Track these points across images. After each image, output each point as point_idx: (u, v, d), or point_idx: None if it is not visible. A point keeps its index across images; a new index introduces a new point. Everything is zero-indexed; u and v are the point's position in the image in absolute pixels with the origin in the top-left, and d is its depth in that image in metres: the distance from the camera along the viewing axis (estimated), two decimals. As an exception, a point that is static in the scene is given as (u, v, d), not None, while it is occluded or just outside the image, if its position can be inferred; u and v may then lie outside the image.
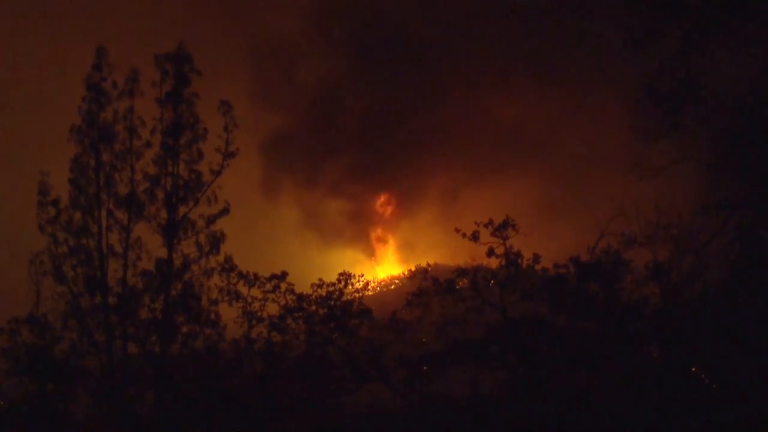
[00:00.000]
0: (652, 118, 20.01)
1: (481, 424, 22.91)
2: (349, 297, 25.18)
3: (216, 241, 23.58)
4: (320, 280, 25.22)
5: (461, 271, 24.57)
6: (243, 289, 24.36)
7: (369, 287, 28.09)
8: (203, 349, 23.49)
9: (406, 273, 27.36)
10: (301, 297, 24.87)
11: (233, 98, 23.81)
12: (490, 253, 24.29)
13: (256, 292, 24.54)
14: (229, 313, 24.09)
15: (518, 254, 24.20)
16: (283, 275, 24.86)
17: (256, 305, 24.52)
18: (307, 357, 24.48)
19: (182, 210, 23.50)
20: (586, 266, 23.62)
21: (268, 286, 24.64)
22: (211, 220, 23.56)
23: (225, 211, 23.59)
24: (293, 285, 24.89)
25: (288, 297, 24.81)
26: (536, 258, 24.26)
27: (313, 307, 24.89)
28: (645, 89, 20.01)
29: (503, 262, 24.31)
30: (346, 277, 25.39)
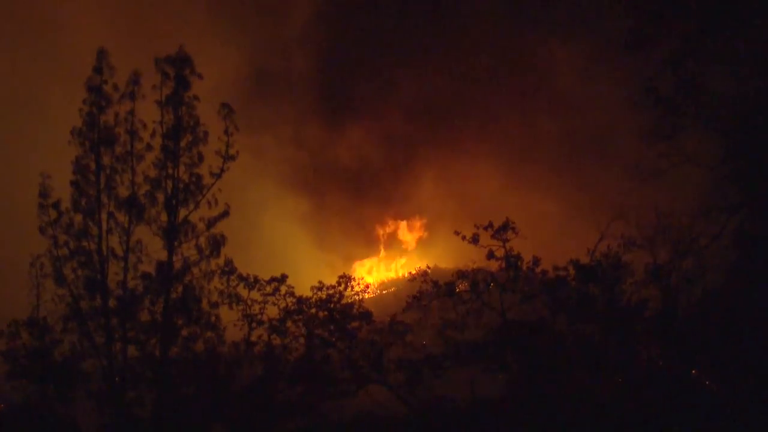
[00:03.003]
0: (652, 120, 20.07)
1: (480, 427, 22.91)
2: (349, 300, 25.22)
3: (216, 243, 23.57)
4: (320, 282, 25.32)
5: (461, 274, 24.62)
6: (243, 291, 24.42)
7: (369, 290, 28.07)
8: (203, 352, 23.47)
9: (406, 275, 27.37)
10: (300, 300, 24.91)
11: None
12: (490, 255, 24.36)
13: (256, 294, 24.64)
14: (229, 315, 24.14)
15: (518, 257, 24.27)
16: (283, 278, 24.93)
17: (256, 308, 24.58)
18: (307, 360, 24.49)
19: (183, 213, 23.50)
20: (586, 269, 23.67)
21: (268, 289, 24.72)
22: (211, 222, 23.56)
23: (225, 214, 23.59)
24: (293, 288, 24.99)
25: (288, 300, 24.86)
26: (536, 261, 24.34)
27: (313, 310, 24.92)
28: (645, 91, 20.06)
29: (503, 265, 24.36)
30: (346, 279, 25.45)
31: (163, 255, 23.24)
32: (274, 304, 24.79)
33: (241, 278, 24.37)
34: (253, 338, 24.42)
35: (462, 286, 24.62)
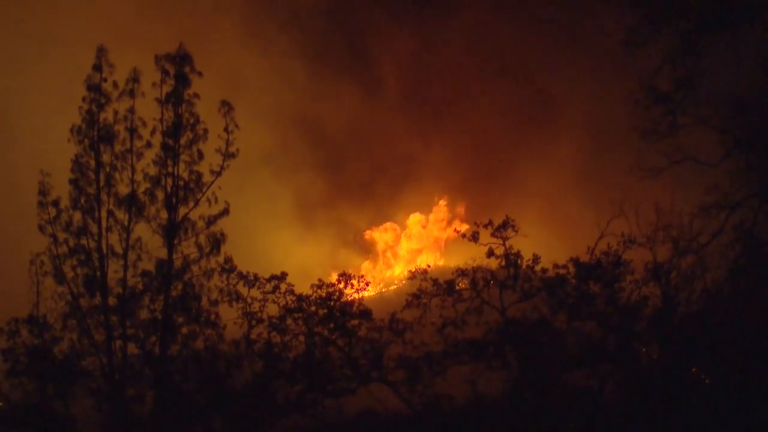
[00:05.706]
0: (652, 119, 20.05)
1: (480, 425, 22.91)
2: (348, 298, 25.19)
3: (216, 241, 23.57)
4: (320, 280, 25.27)
5: (461, 272, 24.61)
6: (243, 289, 24.39)
7: (369, 287, 28.05)
8: (203, 350, 23.47)
9: (406, 274, 27.36)
10: (300, 297, 24.88)
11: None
12: (490, 253, 24.37)
13: (255, 292, 24.58)
14: (229, 313, 24.10)
15: (518, 255, 24.29)
16: (283, 276, 24.88)
17: (256, 306, 24.54)
18: (306, 358, 24.47)
19: (182, 210, 23.50)
20: (585, 267, 23.67)
21: (268, 287, 24.65)
22: (211, 220, 23.55)
23: (225, 212, 23.59)
24: (293, 286, 24.91)
25: (288, 298, 24.82)
26: (536, 259, 24.35)
27: (313, 308, 24.89)
28: (645, 89, 20.04)
29: (503, 263, 24.36)
30: (345, 277, 25.41)
31: (162, 253, 23.26)
32: (274, 302, 24.75)
33: (241, 276, 24.35)
34: (253, 336, 24.38)
35: (462, 284, 24.63)
